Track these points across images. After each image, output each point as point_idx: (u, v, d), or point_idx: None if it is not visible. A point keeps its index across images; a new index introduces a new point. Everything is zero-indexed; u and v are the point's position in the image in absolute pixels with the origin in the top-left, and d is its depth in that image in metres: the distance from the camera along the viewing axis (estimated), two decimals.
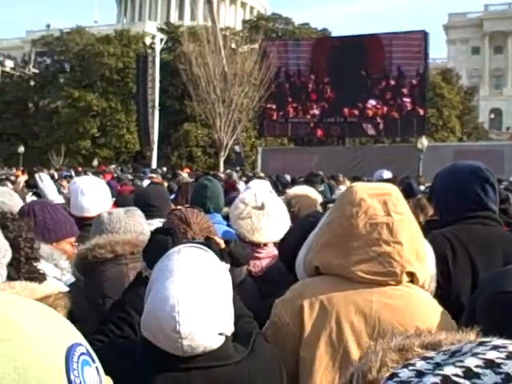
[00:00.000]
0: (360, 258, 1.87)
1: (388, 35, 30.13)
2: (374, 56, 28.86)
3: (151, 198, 3.85)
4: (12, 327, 0.60)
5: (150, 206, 3.47)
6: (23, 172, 16.95)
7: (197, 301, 1.50)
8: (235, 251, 2.37)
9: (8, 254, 1.21)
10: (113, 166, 25.79)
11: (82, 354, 0.65)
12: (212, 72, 31.97)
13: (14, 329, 0.60)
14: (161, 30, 47.62)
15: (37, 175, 4.39)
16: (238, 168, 23.17)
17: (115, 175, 15.08)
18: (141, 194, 4.25)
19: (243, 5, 76.42)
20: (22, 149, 40.91)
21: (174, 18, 67.79)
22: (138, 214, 2.80)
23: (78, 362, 0.64)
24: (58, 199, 4.27)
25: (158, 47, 37.31)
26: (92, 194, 3.71)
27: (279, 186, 8.21)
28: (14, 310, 0.63)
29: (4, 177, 12.83)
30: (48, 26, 58.84)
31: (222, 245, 2.00)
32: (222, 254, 1.78)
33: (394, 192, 1.96)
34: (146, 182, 11.16)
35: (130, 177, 15.02)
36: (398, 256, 1.85)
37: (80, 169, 23.01)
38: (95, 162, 36.92)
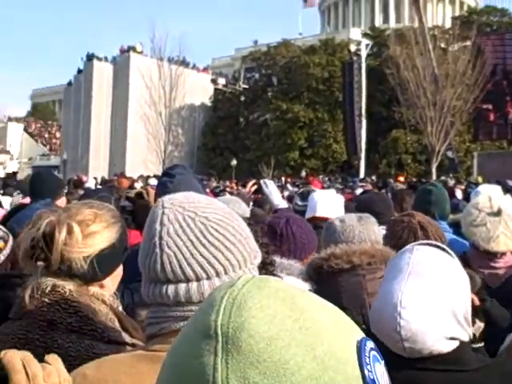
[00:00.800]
0: None
1: None
2: None
3: (375, 205, 3.78)
4: (309, 316, 0.60)
5: (375, 213, 3.37)
6: (237, 184, 18.07)
7: (422, 302, 1.43)
8: (491, 311, 2.14)
9: (259, 256, 1.24)
10: (321, 177, 26.24)
11: (372, 349, 0.64)
12: (421, 74, 30.99)
13: (311, 318, 0.60)
14: (366, 35, 47.48)
15: (262, 181, 4.59)
16: (451, 175, 22.00)
17: (324, 186, 15.27)
18: (364, 201, 4.24)
19: (452, 1, 72.64)
20: (234, 162, 43.32)
21: (378, 22, 66.94)
22: (370, 221, 2.71)
23: (369, 357, 0.62)
24: (283, 204, 4.42)
25: (364, 53, 37.25)
26: (325, 198, 3.95)
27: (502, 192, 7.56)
28: (308, 300, 0.63)
29: (221, 188, 13.86)
30: (255, 42, 62.03)
31: (477, 302, 1.80)
32: (476, 312, 1.60)
33: None
34: (358, 191, 11.15)
35: (339, 186, 15.12)
36: None
37: (289, 179, 23.87)
38: (303, 173, 37.88)
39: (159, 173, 32.86)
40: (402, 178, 19.63)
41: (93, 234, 1.52)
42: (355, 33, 53.43)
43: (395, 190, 6.77)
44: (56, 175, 6.03)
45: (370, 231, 2.61)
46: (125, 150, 48.21)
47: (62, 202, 4.31)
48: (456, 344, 1.46)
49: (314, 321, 0.60)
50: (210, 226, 1.13)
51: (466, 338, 1.49)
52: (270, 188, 4.52)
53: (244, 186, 10.97)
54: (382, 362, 0.65)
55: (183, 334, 0.63)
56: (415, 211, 3.14)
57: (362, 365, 0.60)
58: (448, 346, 1.44)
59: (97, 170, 41.97)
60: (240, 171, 40.83)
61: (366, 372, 0.60)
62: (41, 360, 1.01)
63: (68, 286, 1.52)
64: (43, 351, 1.33)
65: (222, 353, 0.56)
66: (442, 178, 16.55)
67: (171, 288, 1.13)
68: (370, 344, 0.64)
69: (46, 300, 1.51)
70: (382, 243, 2.58)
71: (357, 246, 2.36)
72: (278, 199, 4.48)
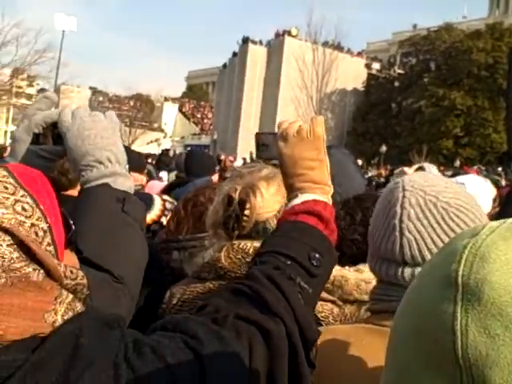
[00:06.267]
0: None
1: None
2: None
3: None
4: None
5: None
6: (386, 170, 17.69)
7: None
8: None
9: None
10: (475, 167, 24.81)
11: None
12: None
13: None
14: None
15: (425, 165, 4.48)
16: None
17: (481, 176, 14.45)
18: None
19: None
20: (383, 148, 42.26)
21: None
22: None
23: None
24: None
25: None
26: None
27: None
28: None
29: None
30: (414, 26, 59.67)
31: None
32: None
33: None
34: None
35: (497, 178, 14.23)
36: None
37: (442, 168, 22.78)
38: (457, 163, 36.18)
39: None
40: None
41: (276, 191, 1.58)
42: None
43: None
44: (209, 154, 6.33)
45: None
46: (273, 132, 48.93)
47: (215, 178, 4.52)
48: None
49: None
50: (451, 212, 1.14)
51: None
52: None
53: (392, 172, 10.78)
54: None
55: (421, 279, 0.61)
56: None
57: None
58: None
59: (245, 150, 43.14)
60: (389, 158, 39.72)
61: None
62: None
63: None
64: None
65: (461, 302, 0.54)
66: None
67: (408, 271, 1.17)
68: None
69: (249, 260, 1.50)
70: None
71: None
72: None
